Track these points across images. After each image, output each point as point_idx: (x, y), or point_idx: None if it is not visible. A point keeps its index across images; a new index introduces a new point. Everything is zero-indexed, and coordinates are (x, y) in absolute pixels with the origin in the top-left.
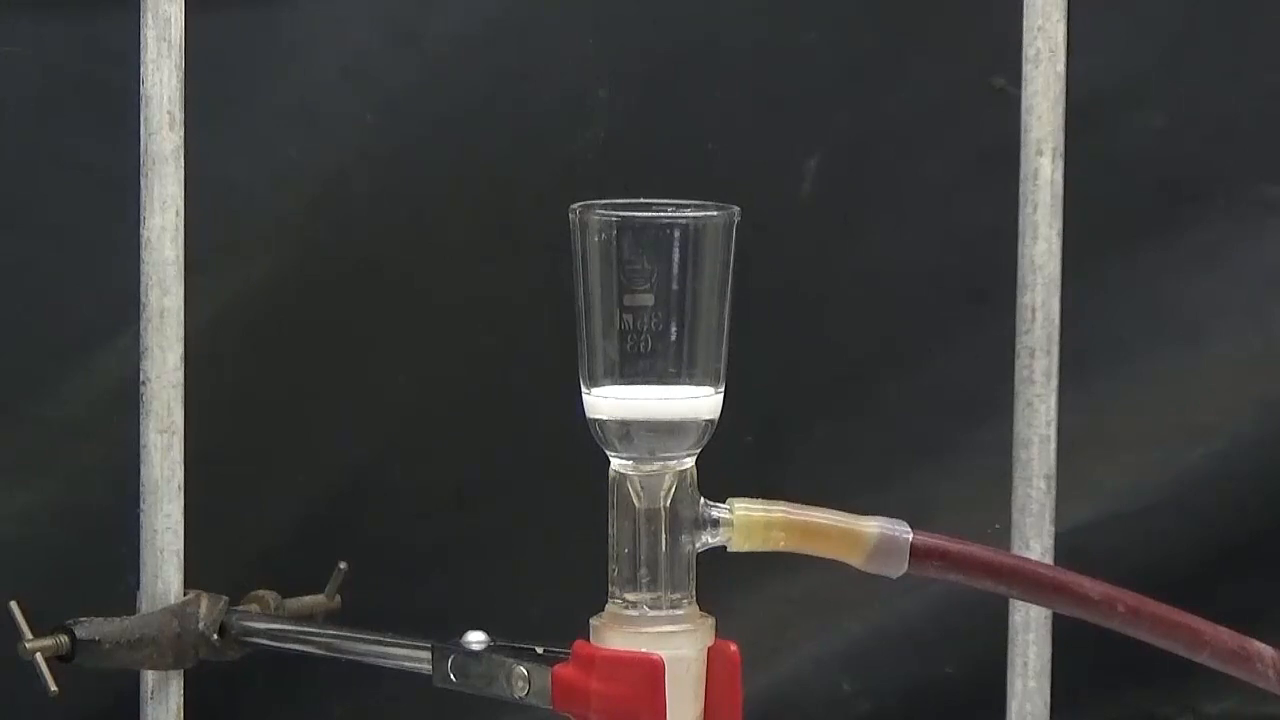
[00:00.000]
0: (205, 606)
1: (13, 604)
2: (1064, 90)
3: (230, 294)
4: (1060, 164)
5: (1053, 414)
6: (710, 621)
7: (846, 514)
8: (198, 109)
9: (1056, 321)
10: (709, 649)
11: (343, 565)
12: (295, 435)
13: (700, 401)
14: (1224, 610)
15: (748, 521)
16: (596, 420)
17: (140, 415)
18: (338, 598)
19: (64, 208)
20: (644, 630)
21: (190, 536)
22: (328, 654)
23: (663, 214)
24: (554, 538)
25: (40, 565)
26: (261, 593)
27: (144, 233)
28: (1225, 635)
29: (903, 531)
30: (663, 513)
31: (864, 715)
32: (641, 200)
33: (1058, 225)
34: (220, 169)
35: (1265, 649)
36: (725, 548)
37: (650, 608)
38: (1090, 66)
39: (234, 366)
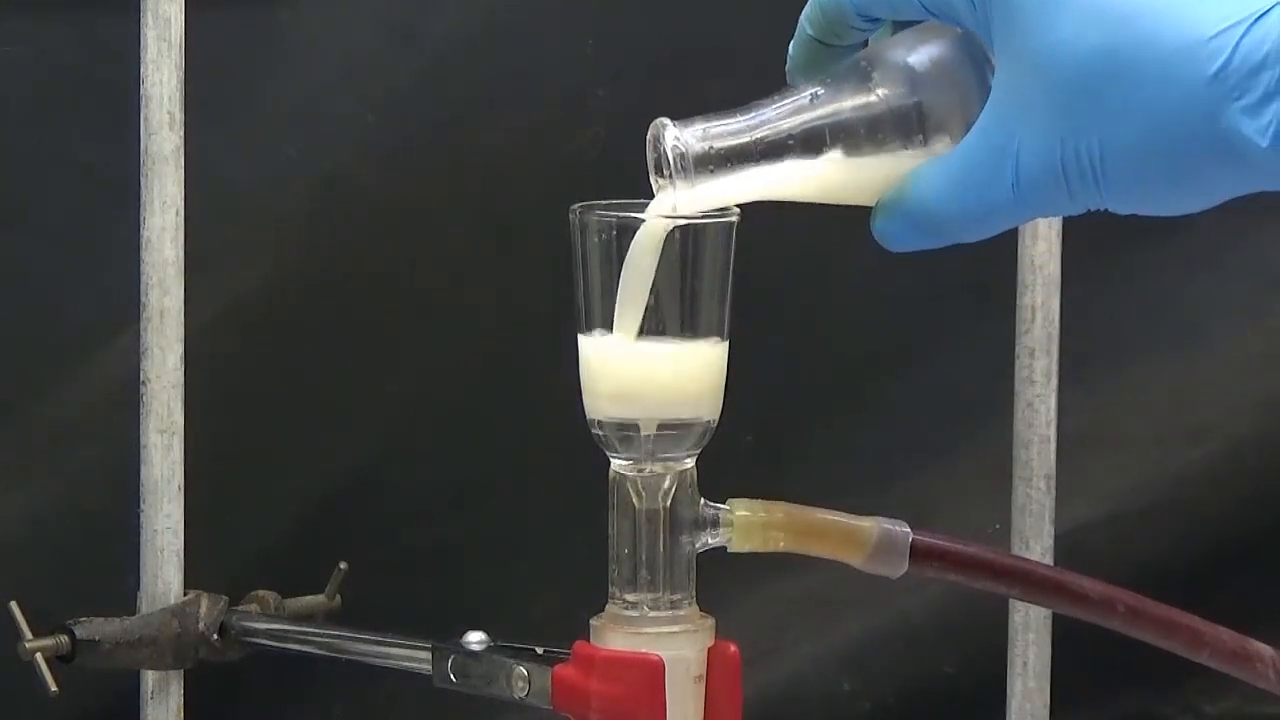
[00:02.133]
0: (205, 606)
1: (13, 604)
2: None
3: (230, 294)
4: None
5: (1053, 414)
6: (710, 622)
7: (846, 514)
8: (198, 109)
9: (1056, 321)
10: (709, 649)
11: (343, 565)
12: (295, 435)
13: (701, 402)
14: (1224, 610)
15: (747, 522)
16: (596, 421)
17: (140, 415)
18: (338, 598)
19: (64, 208)
20: (644, 631)
21: (190, 536)
22: (328, 654)
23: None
24: (554, 538)
25: (40, 565)
26: (261, 593)
27: (144, 233)
28: (1225, 635)
29: (903, 531)
30: (663, 513)
31: (864, 715)
32: (641, 200)
33: (1058, 225)
34: (220, 169)
35: (1265, 649)
36: (725, 548)
37: (650, 608)
38: None
39: (234, 366)
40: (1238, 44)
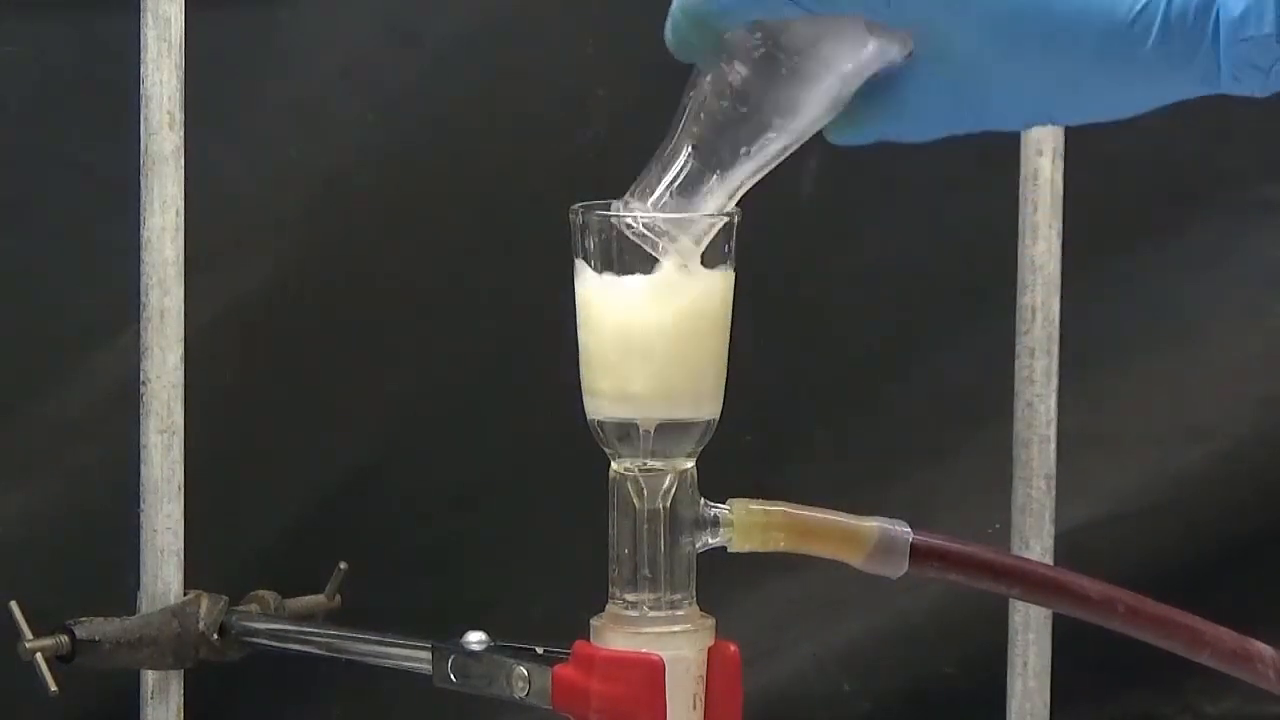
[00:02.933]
0: (205, 606)
1: (13, 604)
2: None
3: (230, 294)
4: (1060, 164)
5: (1053, 414)
6: (710, 622)
7: (846, 514)
8: (198, 109)
9: (1056, 321)
10: (709, 649)
11: (343, 565)
12: (295, 435)
13: (701, 402)
14: (1224, 610)
15: (748, 522)
16: (596, 421)
17: (140, 415)
18: (338, 598)
19: (64, 208)
20: (644, 630)
21: (190, 536)
22: (328, 654)
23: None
24: (554, 538)
25: (40, 565)
26: (261, 593)
27: (144, 233)
28: (1225, 635)
29: (903, 531)
30: (663, 513)
31: (864, 715)
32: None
33: (1058, 225)
34: (220, 169)
35: (1265, 649)
36: (725, 548)
37: (651, 608)
38: None
39: (234, 366)
40: None
